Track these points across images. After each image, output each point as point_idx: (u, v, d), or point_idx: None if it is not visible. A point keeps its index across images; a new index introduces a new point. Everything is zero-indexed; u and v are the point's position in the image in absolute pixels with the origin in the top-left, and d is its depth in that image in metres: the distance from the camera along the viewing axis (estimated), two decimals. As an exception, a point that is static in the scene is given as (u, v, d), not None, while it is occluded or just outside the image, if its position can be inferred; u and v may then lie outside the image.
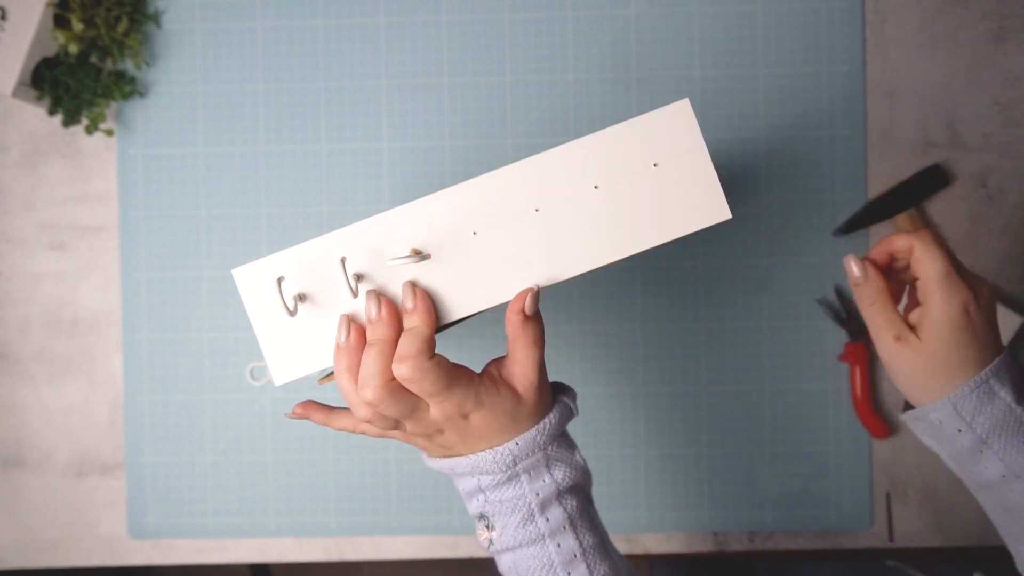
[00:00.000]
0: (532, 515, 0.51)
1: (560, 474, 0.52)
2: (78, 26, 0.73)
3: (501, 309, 0.50)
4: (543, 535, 0.51)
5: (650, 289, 0.77)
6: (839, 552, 0.79)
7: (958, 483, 0.77)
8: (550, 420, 0.52)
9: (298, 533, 0.79)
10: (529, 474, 0.51)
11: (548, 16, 0.78)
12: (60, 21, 0.74)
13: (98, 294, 0.80)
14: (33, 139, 0.80)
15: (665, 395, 0.78)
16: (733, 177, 0.77)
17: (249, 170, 0.79)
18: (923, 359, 0.53)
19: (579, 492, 0.53)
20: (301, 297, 0.50)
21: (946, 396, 0.53)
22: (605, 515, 0.77)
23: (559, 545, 0.51)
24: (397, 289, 0.49)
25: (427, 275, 0.49)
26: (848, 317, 0.76)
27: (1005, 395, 0.52)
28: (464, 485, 0.53)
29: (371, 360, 0.48)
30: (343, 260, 0.48)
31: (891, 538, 0.77)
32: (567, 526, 0.51)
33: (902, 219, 0.76)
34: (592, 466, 0.78)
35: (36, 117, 0.80)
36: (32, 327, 0.80)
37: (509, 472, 0.51)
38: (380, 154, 0.78)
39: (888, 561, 0.78)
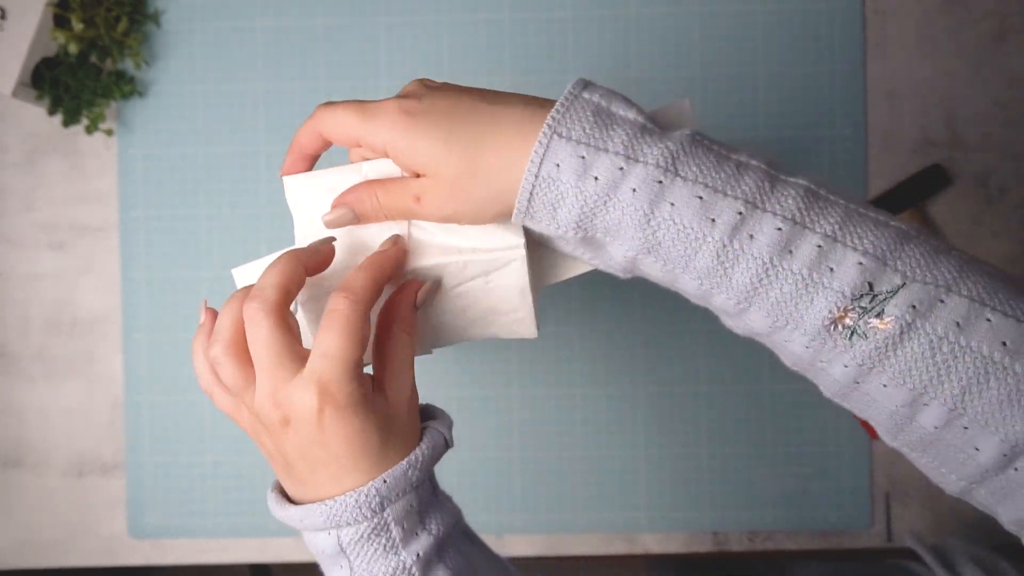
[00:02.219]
0: None
1: (436, 525, 0.43)
2: (78, 26, 0.73)
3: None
4: None
5: (650, 290, 0.77)
6: (839, 552, 0.79)
7: (958, 483, 0.77)
8: (421, 451, 0.43)
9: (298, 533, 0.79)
10: (402, 527, 0.42)
11: (548, 16, 0.78)
12: (60, 21, 0.74)
13: (98, 294, 0.80)
14: (33, 139, 0.80)
15: (665, 395, 0.78)
16: (733, 177, 0.77)
17: (249, 170, 0.79)
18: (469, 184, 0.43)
19: (458, 535, 0.46)
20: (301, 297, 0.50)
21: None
22: (605, 515, 0.78)
23: None
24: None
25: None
26: (848, 317, 0.76)
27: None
28: (321, 544, 0.42)
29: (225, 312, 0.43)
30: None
31: (889, 538, 0.77)
32: None
33: (902, 219, 0.75)
34: (592, 466, 0.78)
35: (36, 117, 0.80)
36: (32, 327, 0.80)
37: (376, 520, 0.41)
38: (380, 154, 0.78)
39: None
